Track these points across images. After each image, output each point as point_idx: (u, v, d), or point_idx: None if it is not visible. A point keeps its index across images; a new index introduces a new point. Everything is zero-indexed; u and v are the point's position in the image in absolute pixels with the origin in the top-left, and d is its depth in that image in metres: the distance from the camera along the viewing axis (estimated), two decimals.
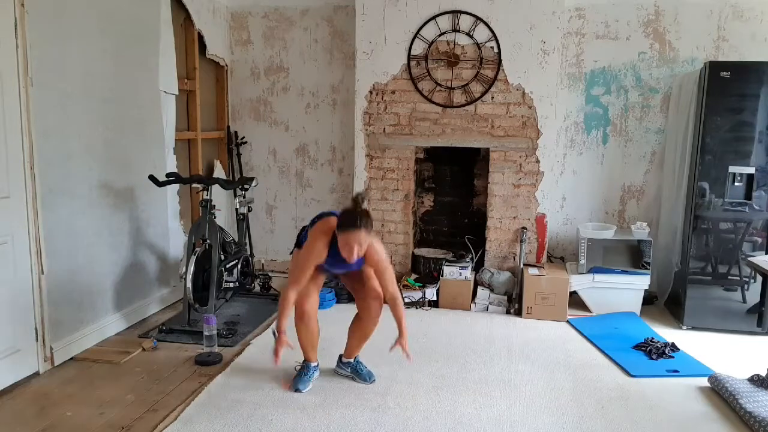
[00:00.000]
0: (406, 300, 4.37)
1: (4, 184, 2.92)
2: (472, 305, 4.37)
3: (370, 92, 4.60)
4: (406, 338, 2.88)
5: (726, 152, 3.89)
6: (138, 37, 3.90)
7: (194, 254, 3.76)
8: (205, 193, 3.93)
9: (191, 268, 3.71)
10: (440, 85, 4.49)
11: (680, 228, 4.23)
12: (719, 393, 3.04)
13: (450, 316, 4.23)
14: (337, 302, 4.44)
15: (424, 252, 4.79)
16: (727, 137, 3.88)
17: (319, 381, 3.12)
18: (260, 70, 5.23)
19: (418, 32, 4.46)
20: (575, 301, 4.34)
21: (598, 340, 3.78)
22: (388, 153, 4.65)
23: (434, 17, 4.42)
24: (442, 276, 4.41)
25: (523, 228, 4.50)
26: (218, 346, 3.46)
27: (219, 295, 3.98)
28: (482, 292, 4.40)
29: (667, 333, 3.97)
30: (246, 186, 4.55)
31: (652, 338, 3.76)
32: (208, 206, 3.90)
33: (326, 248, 2.80)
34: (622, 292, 4.30)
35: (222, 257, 4.01)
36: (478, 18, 4.36)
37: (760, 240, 3.96)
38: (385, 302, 2.96)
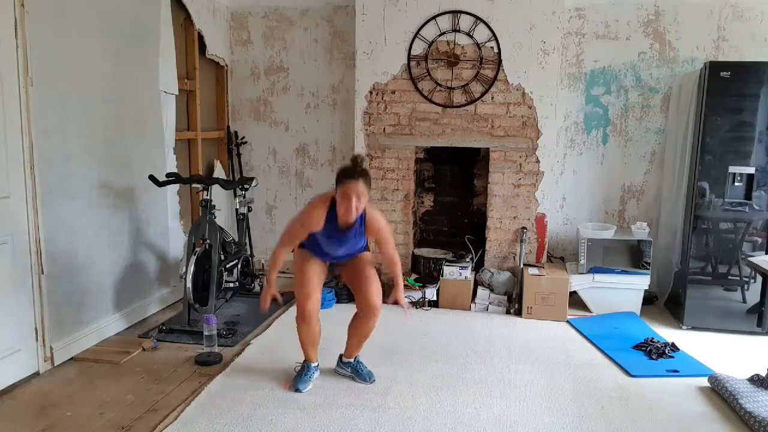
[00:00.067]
0: (406, 300, 4.37)
1: (4, 184, 2.92)
2: (472, 305, 4.37)
3: (370, 92, 4.60)
4: (401, 289, 3.05)
5: (726, 152, 3.89)
6: (138, 37, 3.90)
7: (194, 254, 3.76)
8: (205, 193, 3.93)
9: (191, 268, 3.71)
10: (440, 85, 4.48)
11: (680, 228, 4.23)
12: (719, 393, 3.04)
13: (450, 316, 4.23)
14: (337, 302, 4.45)
15: (424, 252, 4.79)
16: (727, 137, 3.88)
17: (319, 381, 3.12)
18: (260, 70, 5.23)
19: (418, 32, 4.46)
20: (575, 301, 4.34)
21: (598, 340, 3.78)
22: (388, 153, 4.65)
23: (434, 17, 4.42)
24: (442, 276, 4.41)
25: (523, 228, 4.50)
26: (218, 346, 3.46)
27: (219, 295, 3.98)
28: (482, 292, 4.40)
29: (667, 333, 3.97)
30: (246, 186, 4.55)
31: (652, 338, 3.76)
32: (208, 206, 3.90)
33: (323, 216, 2.81)
34: (622, 292, 4.30)
35: (222, 257, 4.01)
36: (478, 18, 4.36)
37: (760, 240, 3.96)
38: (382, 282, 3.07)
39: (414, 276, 4.61)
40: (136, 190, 3.93)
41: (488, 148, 4.51)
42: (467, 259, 4.50)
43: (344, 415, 2.78)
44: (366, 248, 3.11)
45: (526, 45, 4.33)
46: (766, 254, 3.84)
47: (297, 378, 3.06)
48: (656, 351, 3.56)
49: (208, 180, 3.95)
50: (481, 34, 4.38)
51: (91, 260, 3.54)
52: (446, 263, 4.43)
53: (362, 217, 2.84)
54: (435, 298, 4.42)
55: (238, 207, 4.67)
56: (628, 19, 4.59)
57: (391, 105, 4.59)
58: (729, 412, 2.88)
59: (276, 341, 3.69)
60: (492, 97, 4.43)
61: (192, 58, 4.65)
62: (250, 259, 4.76)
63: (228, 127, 5.27)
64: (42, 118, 3.11)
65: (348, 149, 5.05)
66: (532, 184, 4.46)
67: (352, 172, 2.72)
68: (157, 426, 2.65)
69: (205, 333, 3.39)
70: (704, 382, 3.19)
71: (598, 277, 4.31)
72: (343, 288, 4.50)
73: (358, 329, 3.09)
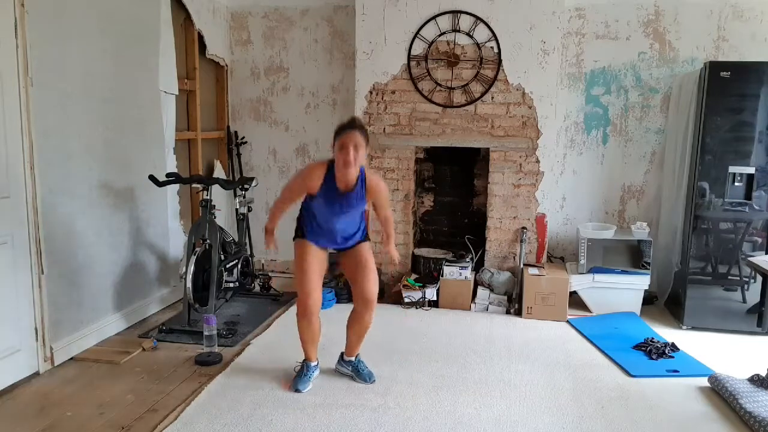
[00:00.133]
0: (406, 300, 4.39)
1: (4, 184, 2.92)
2: (472, 305, 4.37)
3: (370, 92, 4.60)
4: (392, 241, 3.18)
5: (726, 152, 3.89)
6: (138, 37, 3.90)
7: (194, 254, 3.76)
8: (205, 193, 3.93)
9: (191, 268, 3.71)
10: (440, 85, 4.48)
11: (680, 228, 4.23)
12: (719, 393, 3.04)
13: (450, 316, 4.23)
14: (337, 302, 4.45)
15: (424, 252, 4.79)
16: (727, 137, 3.88)
17: (319, 381, 3.12)
18: (260, 70, 5.23)
19: (418, 32, 4.45)
20: (575, 301, 4.34)
21: (598, 340, 3.78)
22: (388, 153, 4.65)
23: (434, 17, 4.42)
24: (442, 276, 4.41)
25: (523, 228, 4.50)
26: (218, 346, 3.46)
27: (219, 295, 3.98)
28: (482, 292, 4.40)
29: (667, 333, 3.97)
30: (246, 186, 4.55)
31: (652, 338, 3.76)
32: (208, 206, 3.90)
33: (322, 175, 2.83)
34: (622, 292, 4.30)
35: (222, 257, 4.01)
36: (478, 18, 4.36)
37: (760, 240, 3.96)
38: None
39: (414, 276, 4.61)
40: (136, 190, 3.93)
41: (488, 148, 4.51)
42: (467, 259, 4.50)
43: (344, 415, 2.78)
44: (366, 237, 3.10)
45: (526, 45, 4.33)
46: (766, 254, 3.84)
47: (297, 378, 3.06)
48: (656, 351, 3.56)
49: (208, 180, 3.95)
50: (481, 34, 4.38)
51: (91, 260, 3.54)
52: (446, 263, 4.43)
53: (362, 180, 2.85)
54: (435, 298, 4.42)
55: (238, 207, 4.67)
56: (628, 19, 4.59)
57: (391, 105, 4.59)
58: (729, 412, 2.88)
59: (276, 341, 3.69)
60: (492, 97, 4.43)
61: (192, 58, 4.65)
62: (250, 259, 4.76)
63: (228, 127, 5.27)
64: (42, 118, 3.11)
65: None
66: (532, 184, 4.46)
67: (349, 124, 2.80)
68: (157, 426, 2.65)
69: (205, 333, 3.39)
70: (704, 382, 3.19)
71: (598, 277, 4.31)
72: (343, 288, 4.50)
73: (355, 324, 3.09)
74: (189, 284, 3.69)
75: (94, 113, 3.51)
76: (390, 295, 4.58)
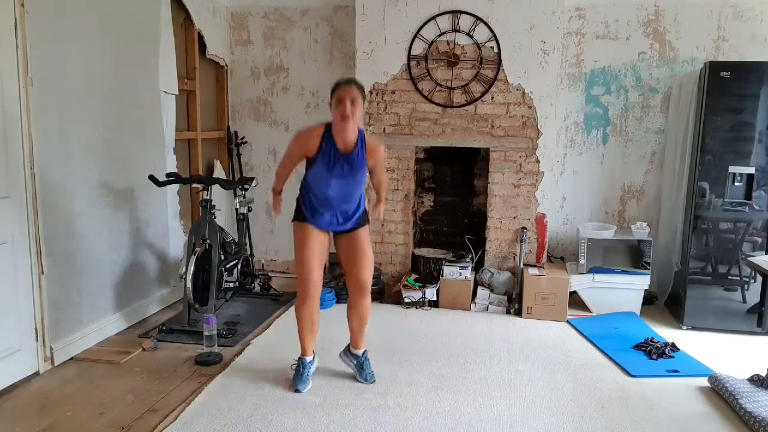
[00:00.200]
0: (406, 300, 4.38)
1: (4, 184, 2.92)
2: (472, 305, 4.37)
3: (370, 92, 4.60)
4: (382, 204, 3.26)
5: (726, 152, 3.89)
6: (138, 37, 3.90)
7: (194, 254, 3.76)
8: (205, 193, 3.93)
9: (191, 268, 3.71)
10: (440, 85, 4.48)
11: (680, 228, 4.23)
12: (719, 393, 3.04)
13: (450, 316, 4.23)
14: (337, 302, 4.45)
15: (424, 252, 4.79)
16: (727, 137, 3.88)
17: (319, 381, 3.12)
18: (260, 70, 5.23)
19: (418, 32, 4.45)
20: (575, 301, 4.34)
21: (598, 340, 3.78)
22: (388, 153, 4.64)
23: (434, 17, 4.42)
24: (442, 276, 4.41)
25: (523, 228, 4.50)
26: (218, 346, 3.46)
27: (219, 295, 3.98)
28: (482, 292, 4.40)
29: (667, 333, 3.97)
30: (246, 186, 4.55)
31: (652, 338, 3.76)
32: (208, 206, 3.90)
33: (320, 135, 2.87)
34: (622, 292, 4.30)
35: (222, 257, 4.01)
36: (478, 18, 4.36)
37: (760, 240, 3.96)
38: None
39: (414, 276, 4.61)
40: (136, 190, 3.93)
41: (488, 148, 4.51)
42: (467, 259, 4.50)
43: (344, 415, 2.78)
44: (365, 220, 3.10)
45: (526, 45, 4.33)
46: (766, 254, 3.84)
47: (295, 378, 3.06)
48: (656, 351, 3.56)
49: (208, 180, 3.95)
50: (481, 34, 4.38)
51: (91, 260, 3.54)
52: (446, 263, 4.43)
53: (362, 141, 2.89)
54: (435, 298, 4.41)
55: (238, 207, 4.67)
56: (628, 19, 4.59)
57: (391, 105, 4.59)
58: (729, 412, 2.88)
59: (276, 341, 3.69)
60: (492, 97, 4.43)
61: (192, 58, 4.65)
62: (250, 259, 4.76)
63: (228, 127, 5.27)
64: (42, 118, 3.11)
65: None
66: (532, 184, 4.46)
67: (346, 80, 2.88)
68: (157, 426, 2.65)
69: (205, 333, 3.39)
70: (704, 382, 3.19)
71: (598, 277, 4.31)
72: (343, 288, 4.50)
73: (354, 312, 3.11)
74: (189, 284, 3.69)
75: (94, 113, 3.51)
76: (390, 295, 4.58)
